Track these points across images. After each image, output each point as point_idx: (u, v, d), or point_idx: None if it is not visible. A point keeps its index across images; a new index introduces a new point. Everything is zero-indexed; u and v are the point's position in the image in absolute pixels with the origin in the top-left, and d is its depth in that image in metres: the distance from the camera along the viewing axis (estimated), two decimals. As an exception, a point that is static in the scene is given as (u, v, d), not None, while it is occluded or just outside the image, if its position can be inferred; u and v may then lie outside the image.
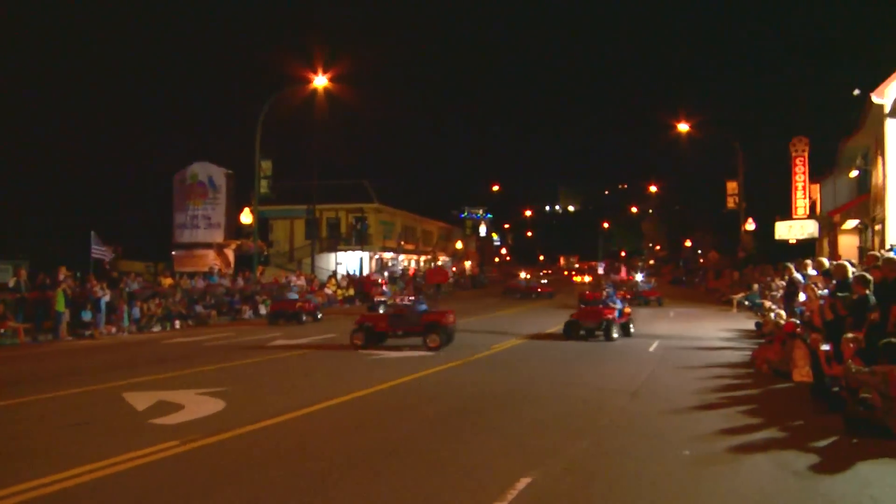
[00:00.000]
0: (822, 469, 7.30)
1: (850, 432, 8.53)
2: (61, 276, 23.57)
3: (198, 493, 6.69)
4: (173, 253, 40.56)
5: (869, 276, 11.12)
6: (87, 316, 23.36)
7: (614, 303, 20.66)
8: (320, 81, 35.32)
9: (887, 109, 21.86)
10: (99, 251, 26.47)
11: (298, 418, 9.87)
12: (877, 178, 24.91)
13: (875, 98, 22.19)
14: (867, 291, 10.99)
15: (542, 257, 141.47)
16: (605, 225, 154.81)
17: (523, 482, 6.83)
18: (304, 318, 27.22)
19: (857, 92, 25.27)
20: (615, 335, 19.56)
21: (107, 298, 23.97)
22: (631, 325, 20.99)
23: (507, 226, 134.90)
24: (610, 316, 19.87)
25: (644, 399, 11.27)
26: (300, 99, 39.37)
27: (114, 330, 23.94)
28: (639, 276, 41.02)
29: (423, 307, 18.81)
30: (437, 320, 18.14)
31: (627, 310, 21.54)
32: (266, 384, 13.14)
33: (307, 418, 9.89)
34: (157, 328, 25.54)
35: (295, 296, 29.41)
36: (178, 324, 26.52)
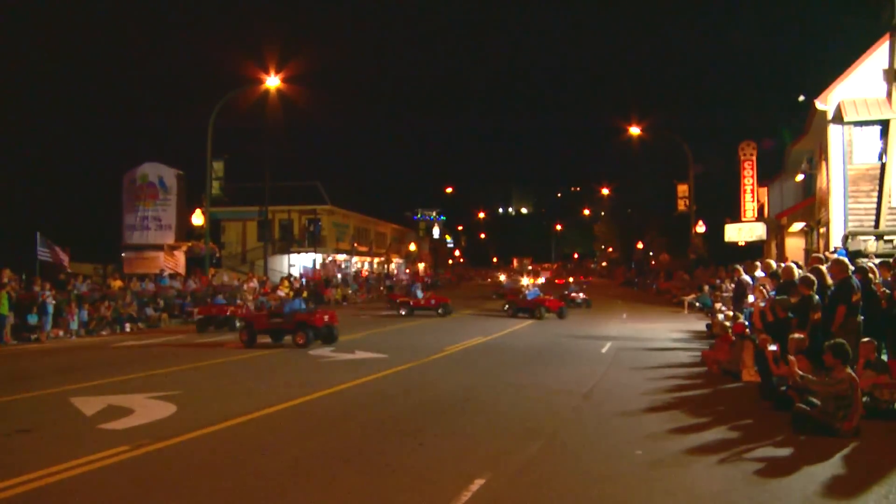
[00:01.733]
0: (770, 467, 7.45)
1: (796, 431, 8.74)
2: (5, 279, 22.99)
3: (148, 500, 6.59)
4: (123, 255, 39.78)
5: (813, 278, 11.38)
6: (32, 319, 22.82)
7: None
8: (273, 82, 34.99)
9: (830, 115, 22.41)
10: (45, 253, 25.84)
11: (251, 422, 9.77)
12: (821, 181, 25.49)
13: (819, 104, 22.75)
14: (811, 292, 11.24)
15: (495, 259, 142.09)
16: (559, 227, 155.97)
17: (477, 484, 6.85)
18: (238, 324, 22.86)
19: (801, 98, 25.86)
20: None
21: (53, 301, 23.46)
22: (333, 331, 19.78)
23: (460, 227, 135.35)
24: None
25: (597, 400, 11.38)
26: (253, 99, 38.96)
27: (61, 333, 23.41)
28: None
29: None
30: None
31: (321, 314, 20.18)
32: (218, 388, 12.97)
33: (259, 422, 9.80)
34: (106, 332, 25.05)
35: (223, 300, 27.67)
36: (128, 327, 26.05)
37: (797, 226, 32.26)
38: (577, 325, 25.46)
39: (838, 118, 22.12)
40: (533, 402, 11.23)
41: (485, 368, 15.07)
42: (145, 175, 39.48)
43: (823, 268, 11.79)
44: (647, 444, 8.42)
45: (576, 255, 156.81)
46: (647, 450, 8.15)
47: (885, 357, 10.86)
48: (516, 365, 15.66)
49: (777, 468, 7.42)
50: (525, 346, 19.20)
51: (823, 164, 24.40)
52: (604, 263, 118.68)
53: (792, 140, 31.97)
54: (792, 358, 9.96)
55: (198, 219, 38.10)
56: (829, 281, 11.33)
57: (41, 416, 10.31)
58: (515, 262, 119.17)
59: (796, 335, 10.50)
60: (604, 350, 18.13)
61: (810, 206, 28.72)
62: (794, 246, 32.65)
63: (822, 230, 25.23)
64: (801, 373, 9.48)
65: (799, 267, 14.10)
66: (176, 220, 39.28)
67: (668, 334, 22.10)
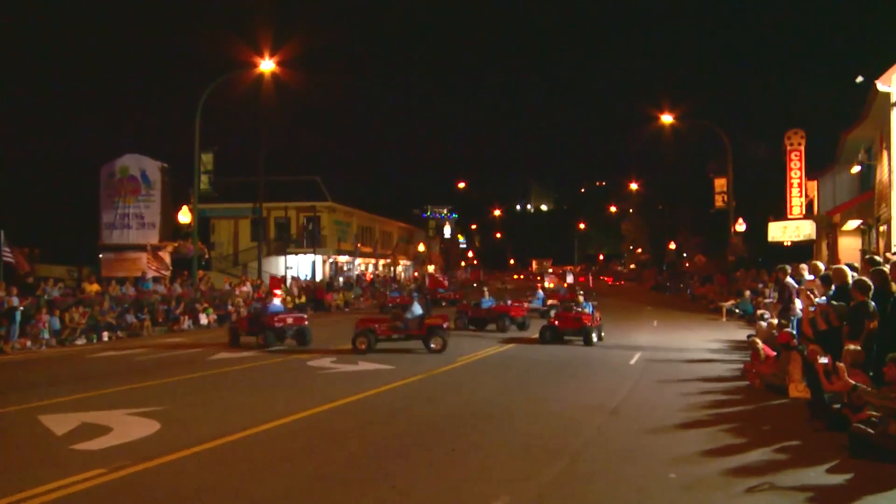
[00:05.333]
0: (823, 497, 7.34)
1: (855, 454, 8.57)
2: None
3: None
4: (100, 256, 39.83)
5: (869, 282, 11.22)
6: (-3, 328, 22.81)
7: None
8: (267, 66, 34.99)
9: (894, 98, 22.00)
10: (8, 254, 25.86)
11: (242, 441, 9.74)
12: (881, 173, 25.20)
13: (881, 86, 22.27)
14: (866, 298, 11.09)
15: (512, 261, 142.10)
16: (582, 226, 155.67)
17: (493, 510, 6.80)
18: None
19: (860, 79, 25.43)
20: None
21: (21, 307, 23.45)
22: None
23: (474, 226, 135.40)
24: None
25: (625, 416, 11.31)
26: (246, 85, 38.99)
27: (29, 344, 23.35)
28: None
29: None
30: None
31: None
32: (206, 403, 12.97)
33: (252, 441, 9.77)
34: (81, 341, 25.04)
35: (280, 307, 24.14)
36: (106, 336, 26.05)
37: (852, 224, 31.97)
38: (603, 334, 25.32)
39: (904, 101, 21.72)
40: (554, 419, 11.17)
41: (502, 381, 15.03)
42: (126, 168, 39.48)
43: (887, 269, 11.59)
44: (681, 466, 8.35)
45: (601, 257, 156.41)
46: (682, 473, 8.08)
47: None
48: (536, 377, 15.61)
49: (831, 498, 7.32)
50: (546, 356, 19.11)
51: (885, 153, 24.12)
52: (632, 265, 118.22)
53: (847, 127, 31.60)
54: (841, 365, 9.82)
55: (184, 216, 38.14)
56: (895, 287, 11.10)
57: (5, 437, 10.30)
58: (534, 264, 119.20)
59: (851, 346, 10.35)
60: (632, 361, 18.05)
61: (868, 201, 28.45)
62: (849, 246, 32.31)
63: (881, 228, 24.97)
64: (854, 382, 9.34)
65: (854, 269, 13.91)
66: (160, 218, 39.31)
67: (704, 344, 21.96)
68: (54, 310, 25.19)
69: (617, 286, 66.04)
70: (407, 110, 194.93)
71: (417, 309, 20.64)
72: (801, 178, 38.56)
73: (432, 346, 19.59)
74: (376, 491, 7.46)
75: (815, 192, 39.32)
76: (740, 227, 46.83)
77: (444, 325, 20.06)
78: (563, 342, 21.70)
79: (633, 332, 26.37)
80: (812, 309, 13.12)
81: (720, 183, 49.88)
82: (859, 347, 10.40)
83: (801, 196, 38.61)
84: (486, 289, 31.63)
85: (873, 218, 27.17)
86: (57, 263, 38.50)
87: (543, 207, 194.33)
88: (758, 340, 15.46)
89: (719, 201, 50.57)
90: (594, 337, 21.66)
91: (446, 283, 54.06)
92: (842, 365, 9.84)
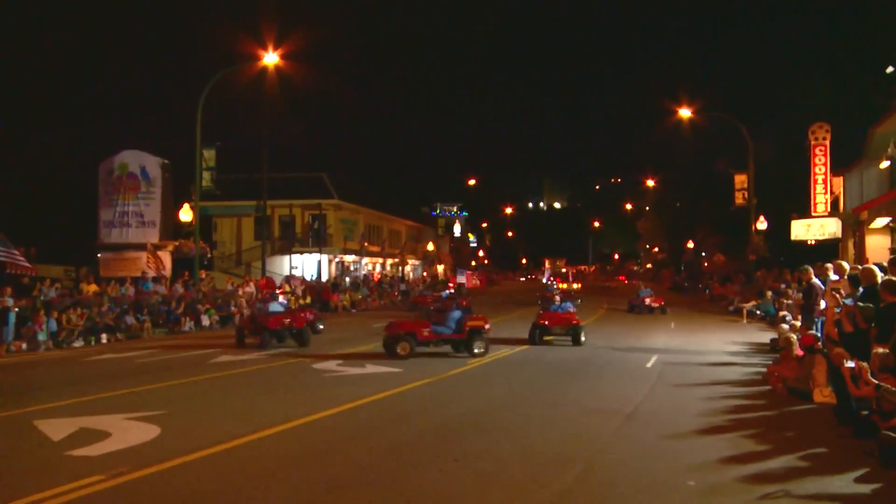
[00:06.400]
0: (851, 505, 7.29)
1: (884, 463, 8.50)
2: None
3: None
4: (99, 255, 39.89)
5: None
6: (-10, 330, 22.84)
7: None
8: (271, 59, 35.00)
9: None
10: (4, 253, 25.92)
11: (245, 446, 9.74)
12: (914, 168, 24.97)
13: (912, 75, 22.14)
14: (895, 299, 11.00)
15: (524, 260, 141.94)
16: (597, 224, 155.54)
17: (505, 520, 6.77)
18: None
19: (890, 69, 25.22)
20: None
21: (16, 309, 23.49)
22: None
23: (485, 225, 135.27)
24: None
25: (641, 422, 11.28)
26: (249, 79, 39.00)
27: (24, 346, 23.40)
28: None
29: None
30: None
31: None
32: (208, 407, 12.97)
33: (255, 446, 9.76)
34: (79, 343, 25.07)
35: (279, 307, 24.58)
36: (104, 338, 26.08)
37: (880, 221, 31.73)
38: (618, 336, 25.30)
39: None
40: (568, 424, 11.14)
41: (513, 385, 15.00)
42: (125, 164, 39.52)
43: None
44: (701, 473, 8.32)
45: (616, 256, 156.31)
46: (701, 480, 8.05)
47: None
48: (548, 381, 15.59)
49: (858, 506, 7.26)
50: (559, 359, 19.08)
51: (917, 147, 23.87)
52: (649, 265, 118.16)
53: (876, 120, 31.30)
54: (864, 365, 9.73)
55: (186, 215, 38.17)
56: None
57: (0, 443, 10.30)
58: (547, 264, 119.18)
59: (880, 350, 10.28)
60: (649, 364, 18.01)
61: (897, 198, 28.25)
62: (877, 245, 32.06)
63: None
64: (877, 382, 9.26)
65: (883, 269, 13.80)
66: (161, 216, 39.34)
67: (723, 347, 21.91)
68: (51, 311, 25.20)
69: (632, 285, 65.77)
70: (416, 105, 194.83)
71: (273, 307, 23.59)
72: (825, 173, 38.22)
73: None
74: (384, 498, 7.45)
75: (841, 189, 38.98)
76: (761, 224, 46.59)
77: (277, 326, 22.21)
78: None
79: (649, 334, 26.33)
80: (837, 310, 13.03)
81: (740, 179, 49.54)
82: (888, 351, 10.33)
83: (825, 192, 38.30)
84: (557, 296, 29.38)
85: (904, 215, 26.97)
86: (54, 263, 38.50)
87: (557, 205, 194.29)
88: (793, 336, 15.34)
89: (739, 198, 50.24)
90: (478, 349, 19.29)
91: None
92: (865, 365, 9.77)
